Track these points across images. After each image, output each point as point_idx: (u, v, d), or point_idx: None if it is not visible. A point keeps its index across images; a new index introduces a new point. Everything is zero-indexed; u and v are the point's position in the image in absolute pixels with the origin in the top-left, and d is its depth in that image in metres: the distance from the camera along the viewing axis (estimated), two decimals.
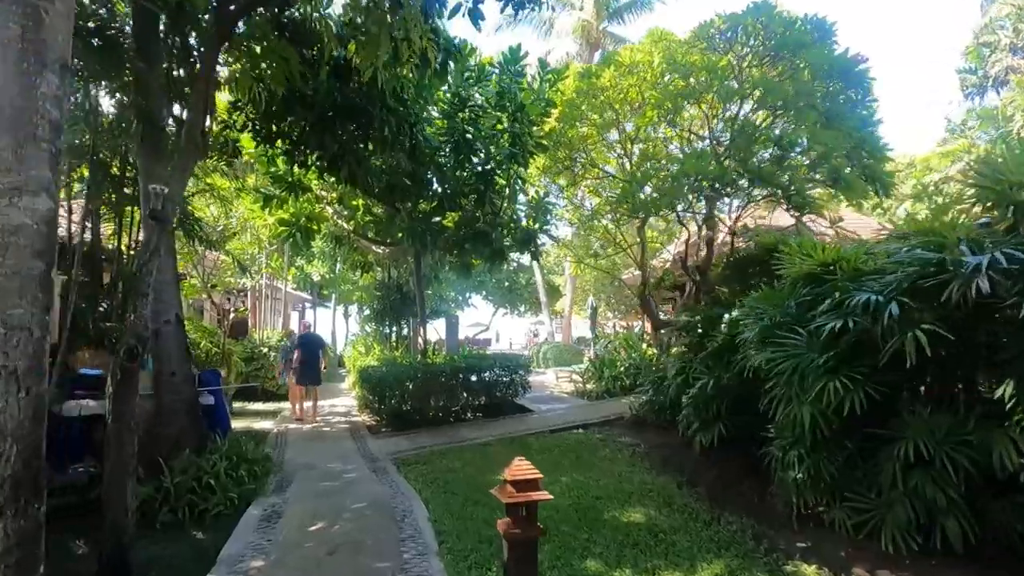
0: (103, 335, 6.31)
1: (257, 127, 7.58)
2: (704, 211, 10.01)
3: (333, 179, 9.68)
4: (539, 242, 9.90)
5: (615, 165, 10.76)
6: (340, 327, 30.05)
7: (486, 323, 36.03)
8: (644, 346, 13.41)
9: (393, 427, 9.18)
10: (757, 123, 8.77)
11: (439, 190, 9.45)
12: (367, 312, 15.49)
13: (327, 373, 20.67)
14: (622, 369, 12.46)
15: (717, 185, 8.08)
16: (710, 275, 9.37)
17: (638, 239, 10.74)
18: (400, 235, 9.77)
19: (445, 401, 9.62)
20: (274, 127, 7.54)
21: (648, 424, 8.53)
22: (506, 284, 34.58)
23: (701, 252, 10.11)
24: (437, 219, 9.03)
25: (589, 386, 12.60)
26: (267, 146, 8.01)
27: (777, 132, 8.55)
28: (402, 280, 13.87)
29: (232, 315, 11.19)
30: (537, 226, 9.87)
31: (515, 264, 37.33)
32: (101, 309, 6.79)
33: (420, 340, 10.45)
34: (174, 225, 6.36)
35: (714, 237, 9.75)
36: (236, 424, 9.78)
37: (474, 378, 9.80)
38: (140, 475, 4.48)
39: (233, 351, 11.47)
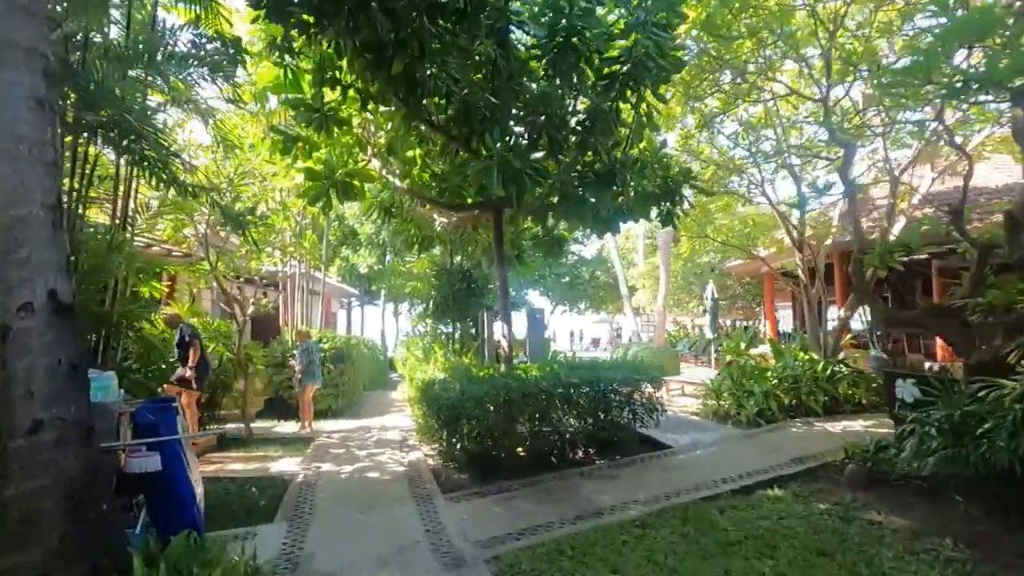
0: None
1: None
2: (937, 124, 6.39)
3: (381, 106, 6.68)
4: (684, 197, 6.51)
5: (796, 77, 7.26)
6: (391, 327, 27.53)
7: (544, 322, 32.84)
8: (800, 351, 9.77)
9: (472, 474, 6.04)
10: None
11: (535, 121, 6.24)
12: (422, 308, 12.47)
13: (375, 380, 17.96)
14: (774, 382, 8.91)
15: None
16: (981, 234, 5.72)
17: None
18: (475, 186, 6.62)
19: (546, 434, 6.41)
20: None
21: (882, 480, 5.13)
22: (566, 279, 31.36)
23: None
24: (538, 156, 5.79)
25: (723, 403, 9.12)
26: (286, 32, 5.06)
27: None
28: (470, 264, 10.78)
29: (251, 309, 8.33)
30: (680, 176, 6.49)
31: (576, 256, 34.10)
32: None
33: (503, 341, 7.27)
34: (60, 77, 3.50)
35: (971, 169, 6.09)
36: (249, 464, 6.87)
37: (587, 398, 6.53)
38: None
39: (254, 357, 8.66)
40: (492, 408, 5.86)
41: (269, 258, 7.90)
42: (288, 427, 9.72)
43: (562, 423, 6.58)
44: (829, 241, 9.44)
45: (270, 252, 8.12)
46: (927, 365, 9.74)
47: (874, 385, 9.15)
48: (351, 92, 6.38)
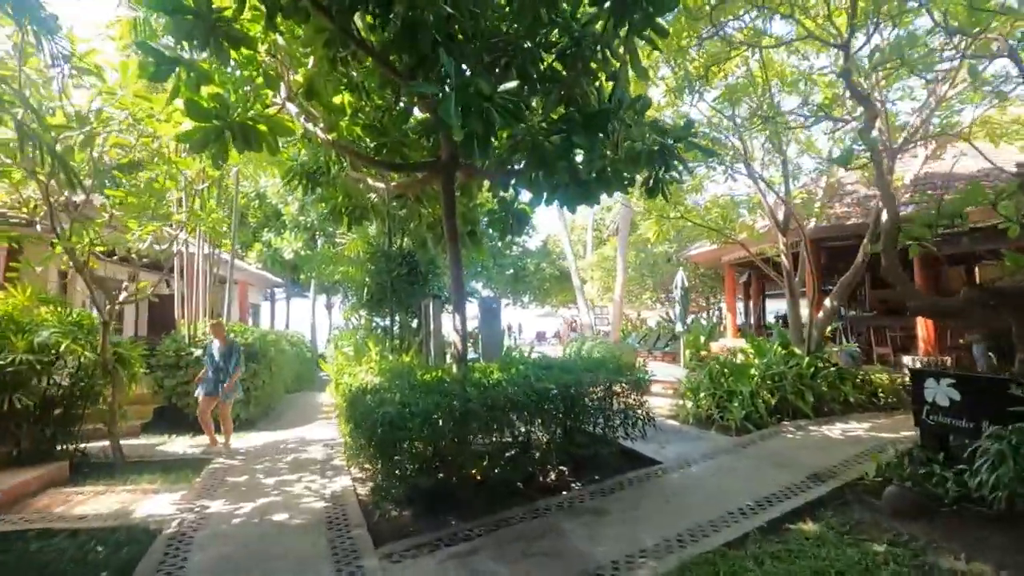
0: None
1: None
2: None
3: (295, 25, 5.03)
4: (683, 161, 5.23)
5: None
6: (323, 321, 25.23)
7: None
8: (776, 346, 8.86)
9: (416, 512, 4.54)
10: None
11: (504, 47, 4.78)
12: (354, 298, 10.72)
13: (300, 380, 15.86)
14: (757, 380, 7.93)
15: None
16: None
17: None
18: (424, 130, 5.09)
19: (513, 454, 5.00)
20: None
21: (933, 506, 4.12)
22: (510, 271, 30.19)
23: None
24: (509, 87, 4.31)
25: (701, 405, 8.05)
26: None
27: None
28: (412, 245, 9.17)
29: (123, 296, 6.40)
30: (678, 132, 5.22)
31: (520, 248, 32.89)
32: None
33: (455, 337, 5.79)
34: None
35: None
36: (107, 505, 5.02)
37: (564, 407, 5.17)
38: None
39: (128, 358, 6.69)
40: (444, 426, 4.37)
41: (147, 228, 5.98)
42: (181, 444, 7.78)
43: (531, 440, 5.19)
44: (812, 224, 8.57)
45: (154, 222, 6.18)
46: (908, 359, 9.10)
47: (859, 382, 8.40)
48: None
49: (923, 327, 8.88)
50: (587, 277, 24.76)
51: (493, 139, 4.39)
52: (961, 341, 9.32)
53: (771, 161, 8.77)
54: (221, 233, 7.46)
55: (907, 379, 8.97)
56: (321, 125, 6.46)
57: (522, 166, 6.07)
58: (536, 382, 5.00)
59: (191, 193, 7.59)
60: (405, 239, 9.60)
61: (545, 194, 6.56)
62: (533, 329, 42.30)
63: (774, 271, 9.05)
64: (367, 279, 9.52)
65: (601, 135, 4.54)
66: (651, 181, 5.80)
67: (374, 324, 10.28)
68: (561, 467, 5.49)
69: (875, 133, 5.93)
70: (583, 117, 4.50)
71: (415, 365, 6.70)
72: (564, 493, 5.07)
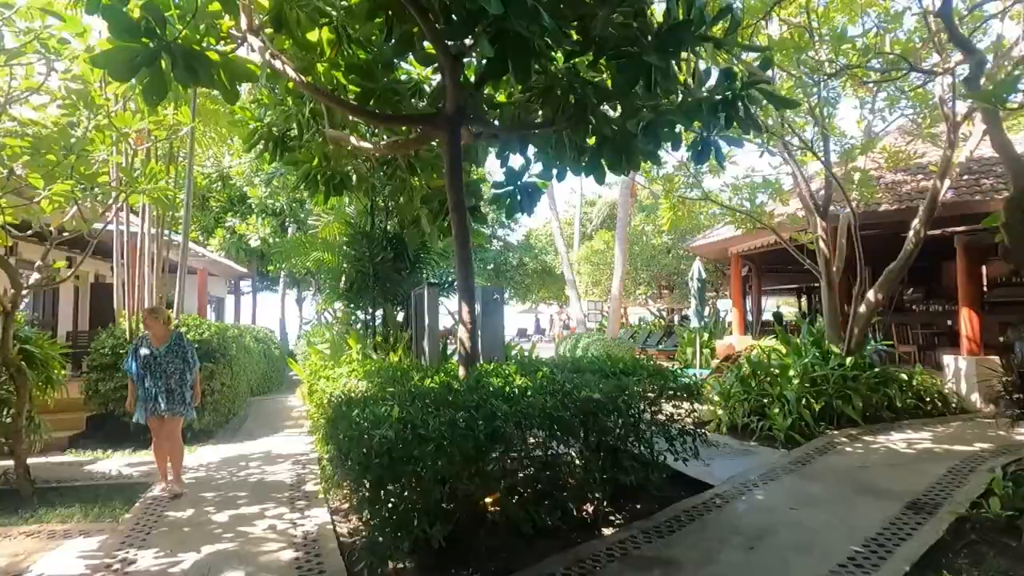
0: None
1: None
2: None
3: None
4: (745, 118, 4.12)
5: None
6: (293, 316, 23.65)
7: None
8: (810, 344, 7.91)
9: (421, 567, 3.36)
10: None
11: None
12: (330, 289, 9.41)
13: (268, 381, 14.37)
14: (794, 383, 6.95)
15: None
16: None
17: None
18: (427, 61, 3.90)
19: (546, 484, 3.85)
20: None
21: None
22: (491, 266, 29.01)
23: None
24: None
25: (735, 412, 7.03)
26: None
27: None
28: (398, 224, 7.90)
29: (34, 278, 5.01)
30: (740, 87, 4.11)
31: (501, 241, 31.67)
32: None
33: (462, 332, 4.61)
34: None
35: None
36: None
37: (612, 423, 4.05)
38: None
39: (45, 357, 5.28)
40: (463, 453, 3.18)
41: (58, 188, 4.59)
42: (117, 462, 6.40)
43: (564, 464, 4.05)
44: (846, 209, 7.62)
45: (72, 184, 4.75)
46: (951, 358, 8.25)
47: (905, 387, 7.51)
48: None
49: (967, 323, 8.05)
50: (575, 271, 23.75)
51: (533, 62, 3.22)
52: (1002, 339, 8.52)
53: (805, 132, 7.76)
54: (168, 203, 6.07)
55: (943, 382, 8.19)
56: (294, 66, 5.14)
57: (544, 122, 5.02)
58: (576, 392, 3.85)
59: (129, 151, 6.19)
60: (391, 219, 8.33)
61: (567, 160, 5.47)
62: (514, 326, 41.20)
63: (808, 260, 8.08)
64: (345, 265, 8.21)
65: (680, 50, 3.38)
66: (704, 140, 4.74)
67: (353, 318, 8.98)
68: (596, 496, 4.36)
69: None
70: (652, 35, 3.34)
71: (407, 366, 5.48)
72: (609, 533, 3.94)
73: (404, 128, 5.42)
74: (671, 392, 4.56)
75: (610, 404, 3.92)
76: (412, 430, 3.10)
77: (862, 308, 7.47)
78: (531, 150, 5.69)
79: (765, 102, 4.37)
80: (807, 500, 4.46)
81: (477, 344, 4.86)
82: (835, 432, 6.50)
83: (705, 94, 4.28)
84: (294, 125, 6.02)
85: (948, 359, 8.31)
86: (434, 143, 5.58)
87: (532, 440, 3.85)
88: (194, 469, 6.02)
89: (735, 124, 4.30)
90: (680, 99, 4.34)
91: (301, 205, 15.76)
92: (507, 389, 3.94)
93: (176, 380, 5.16)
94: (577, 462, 4.16)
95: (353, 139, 5.57)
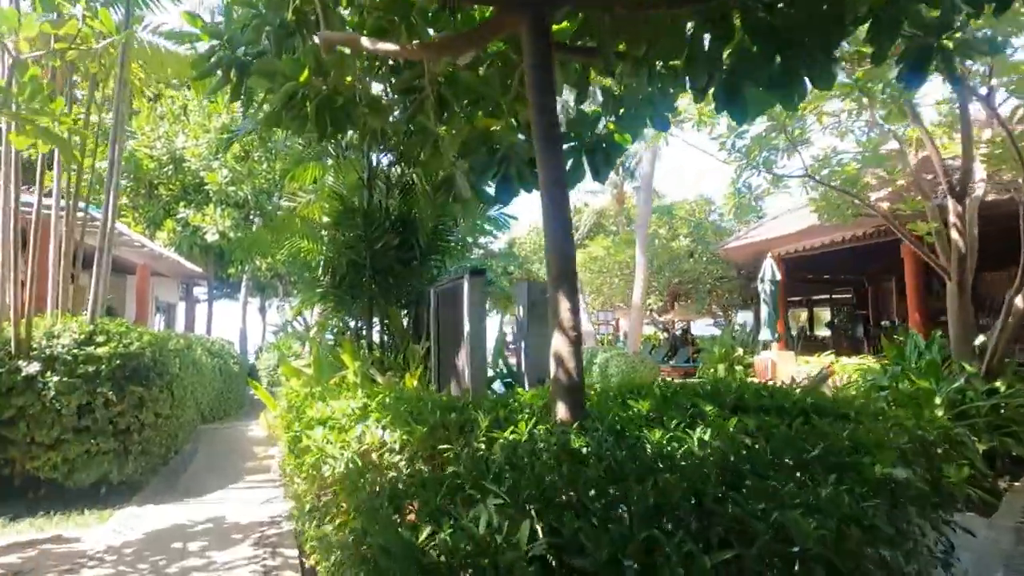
0: None
1: None
2: None
3: None
4: None
5: None
6: (255, 328, 21.09)
7: None
8: (927, 362, 6.20)
9: None
10: None
11: None
12: (306, 290, 7.25)
13: (224, 403, 11.86)
14: (938, 416, 5.19)
15: None
16: None
17: None
18: None
19: None
20: None
21: None
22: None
23: None
24: None
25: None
26: None
27: None
28: (402, 206, 5.89)
29: None
30: None
31: (482, 249, 29.72)
32: None
33: (562, 343, 2.63)
34: None
35: None
36: None
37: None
38: None
39: None
40: None
41: None
42: None
43: None
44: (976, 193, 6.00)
45: None
46: None
47: None
48: None
49: None
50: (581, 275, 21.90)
51: None
52: None
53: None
54: (70, 152, 3.92)
55: None
56: None
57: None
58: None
59: (8, 58, 4.03)
60: (393, 195, 6.33)
61: (702, 74, 3.62)
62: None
63: (930, 254, 6.41)
64: (331, 254, 6.13)
65: None
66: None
67: (334, 325, 6.86)
68: None
69: None
70: None
71: (447, 401, 3.45)
72: None
73: (458, 15, 3.47)
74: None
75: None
76: None
77: (1010, 319, 5.81)
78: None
79: None
80: None
81: (580, 363, 2.87)
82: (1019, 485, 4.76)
83: None
84: (265, 39, 3.98)
85: None
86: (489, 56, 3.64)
87: None
88: (98, 555, 3.83)
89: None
90: None
91: (268, 197, 13.51)
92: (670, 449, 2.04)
93: None
94: None
95: (364, 42, 3.54)
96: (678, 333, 19.43)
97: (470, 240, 6.76)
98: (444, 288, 4.97)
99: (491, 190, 4.54)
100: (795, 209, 10.32)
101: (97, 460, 5.28)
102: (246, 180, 12.87)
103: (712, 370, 12.76)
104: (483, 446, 2.50)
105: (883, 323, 15.57)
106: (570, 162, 4.15)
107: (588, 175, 4.14)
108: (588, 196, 38.20)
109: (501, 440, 2.49)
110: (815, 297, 21.33)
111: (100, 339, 5.47)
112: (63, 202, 5.80)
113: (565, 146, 4.07)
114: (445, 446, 2.46)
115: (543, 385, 5.28)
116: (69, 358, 5.24)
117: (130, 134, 13.59)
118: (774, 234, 9.90)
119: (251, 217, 13.01)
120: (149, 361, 5.87)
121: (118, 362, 5.43)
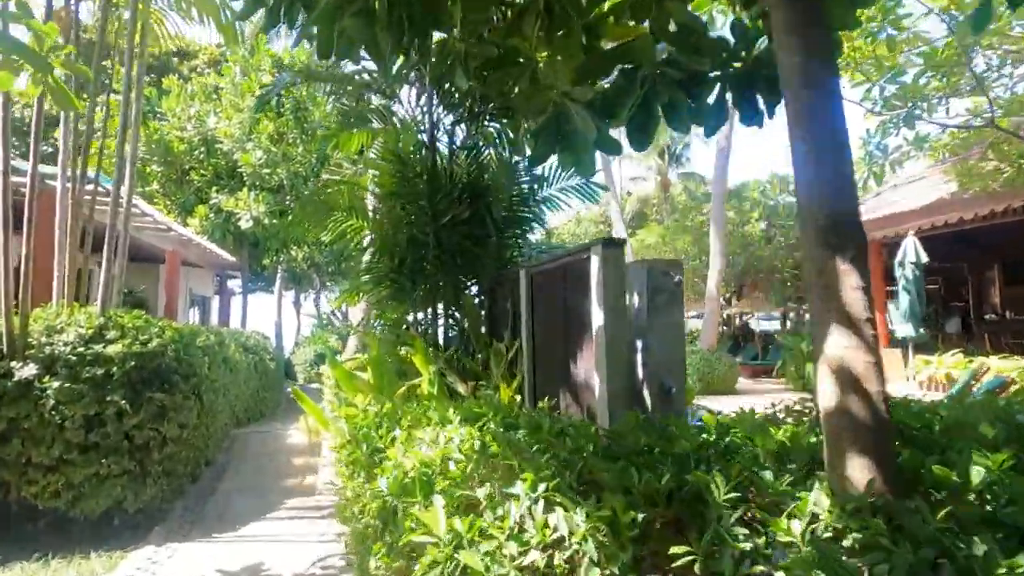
0: None
1: None
2: None
3: None
4: None
5: None
6: (290, 323, 20.37)
7: None
8: None
9: None
10: None
11: None
12: (355, 277, 6.13)
13: (259, 404, 10.89)
14: None
15: None
16: None
17: None
18: None
19: None
20: None
21: None
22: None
23: None
24: None
25: None
26: None
27: None
28: (473, 169, 4.71)
29: None
30: None
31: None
32: None
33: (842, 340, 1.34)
34: None
35: None
36: None
37: None
38: None
39: None
40: None
41: None
42: None
43: None
44: None
45: None
46: None
47: None
48: None
49: None
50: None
51: None
52: None
53: None
54: (63, 96, 2.88)
55: None
56: None
57: None
58: None
59: None
60: (463, 159, 5.17)
61: None
62: None
63: None
64: (388, 230, 4.99)
65: None
66: None
67: (393, 318, 5.72)
68: None
69: None
70: None
71: (630, 441, 2.23)
72: None
73: None
74: None
75: None
76: None
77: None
78: None
79: None
80: None
81: (883, 384, 1.60)
82: None
83: None
84: None
85: None
86: None
87: None
88: None
89: None
90: None
91: (305, 181, 12.56)
92: None
93: None
94: None
95: None
96: (742, 327, 17.90)
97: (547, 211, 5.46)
98: (545, 269, 3.76)
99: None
100: (912, 180, 8.74)
101: (108, 485, 4.27)
102: (281, 164, 11.93)
103: (793, 368, 11.30)
104: (743, 542, 1.30)
105: (986, 316, 13.74)
106: (713, 96, 2.90)
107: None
108: (630, 184, 36.62)
109: (779, 532, 1.29)
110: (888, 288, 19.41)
111: (112, 335, 4.47)
112: (70, 170, 4.80)
113: (713, 72, 2.82)
114: (680, 550, 1.27)
115: (669, 396, 4.06)
116: (73, 358, 4.24)
117: (160, 115, 12.84)
118: (897, 209, 8.35)
119: (288, 202, 12.08)
120: (172, 361, 4.84)
121: (133, 363, 4.41)
